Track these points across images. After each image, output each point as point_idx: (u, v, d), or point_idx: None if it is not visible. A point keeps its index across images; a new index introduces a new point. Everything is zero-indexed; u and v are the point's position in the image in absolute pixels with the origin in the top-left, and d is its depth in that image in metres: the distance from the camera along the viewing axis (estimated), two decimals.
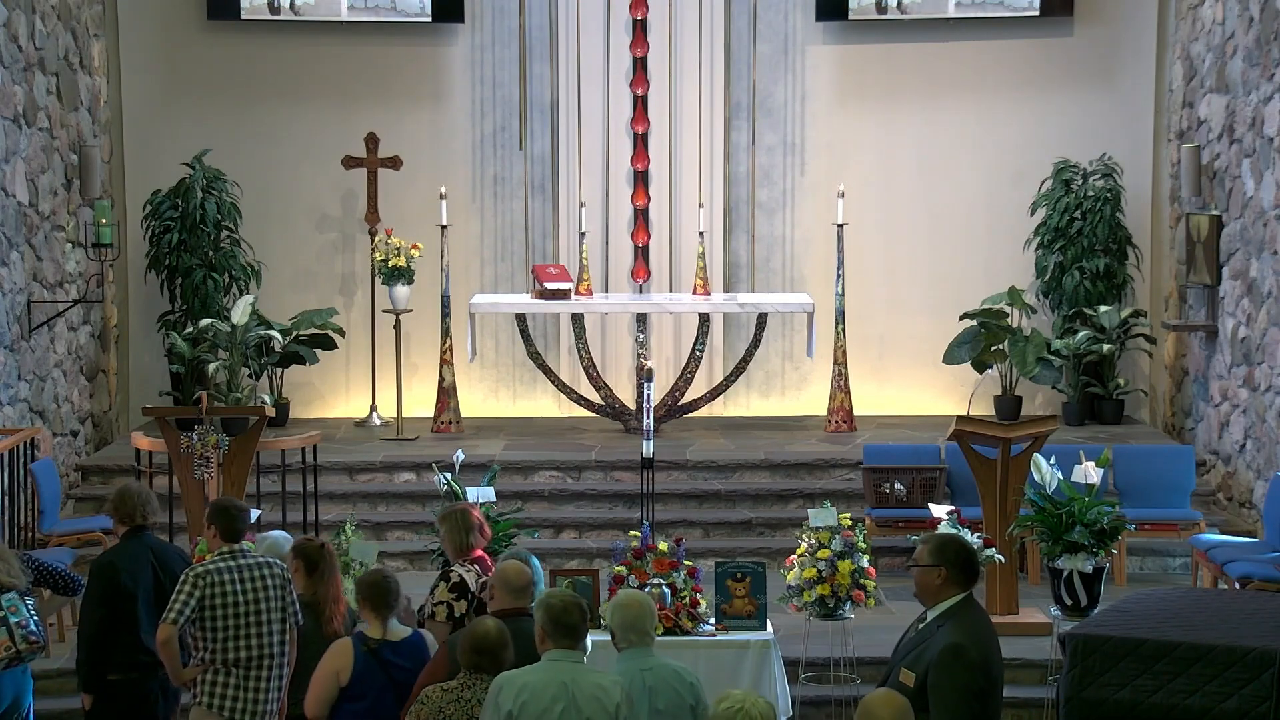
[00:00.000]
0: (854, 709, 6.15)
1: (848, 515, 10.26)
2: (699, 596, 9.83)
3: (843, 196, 15.09)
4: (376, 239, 15.52)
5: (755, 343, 15.23)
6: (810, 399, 15.95)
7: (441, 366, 15.16)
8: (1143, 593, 9.46)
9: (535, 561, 7.84)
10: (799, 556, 10.09)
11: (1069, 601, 10.27)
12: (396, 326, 15.25)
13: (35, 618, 8.36)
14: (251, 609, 8.00)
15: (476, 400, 15.93)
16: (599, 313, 15.54)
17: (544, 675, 6.64)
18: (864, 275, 15.88)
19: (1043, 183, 15.62)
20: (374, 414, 15.53)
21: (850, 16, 15.75)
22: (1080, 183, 15.53)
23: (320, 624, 8.04)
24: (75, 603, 11.40)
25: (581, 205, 15.57)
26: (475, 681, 6.78)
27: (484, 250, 16.17)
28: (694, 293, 15.33)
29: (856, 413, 15.18)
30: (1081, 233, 15.42)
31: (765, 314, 15.19)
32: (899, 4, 15.71)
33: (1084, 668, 8.17)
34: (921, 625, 6.86)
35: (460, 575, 8.17)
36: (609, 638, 7.10)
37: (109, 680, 8.33)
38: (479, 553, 8.39)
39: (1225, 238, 13.93)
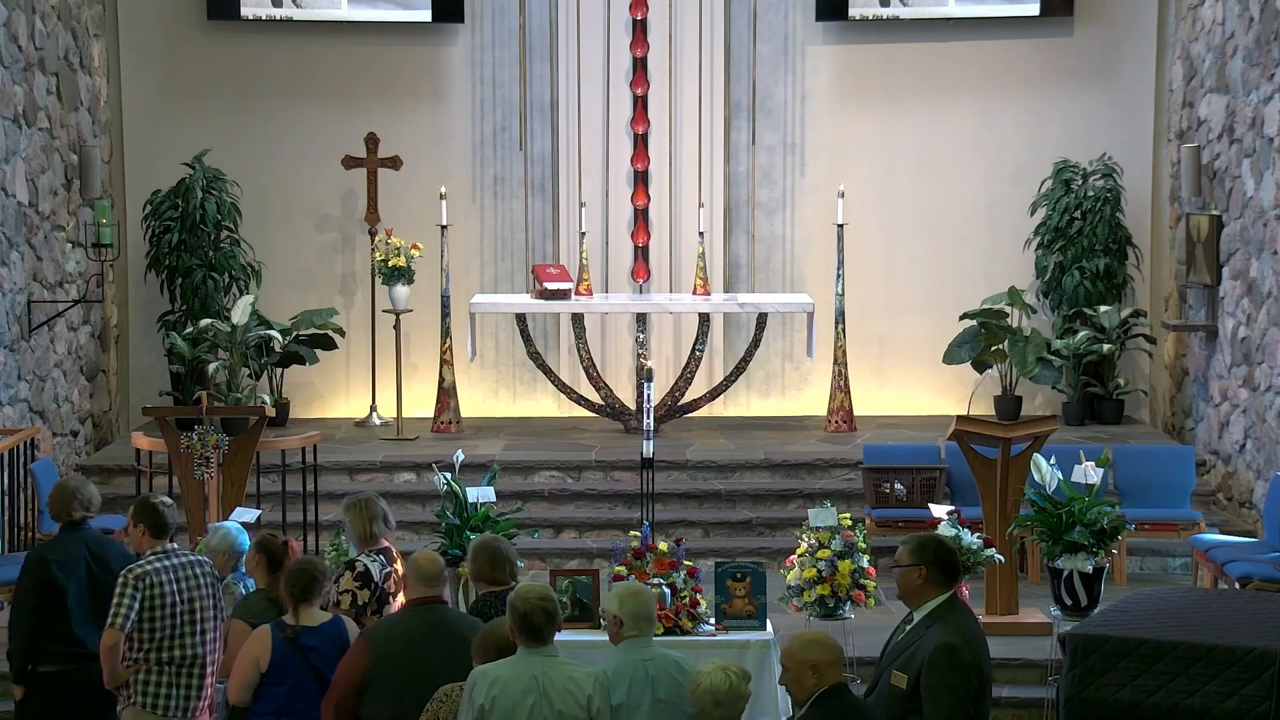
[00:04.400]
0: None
1: (848, 515, 10.26)
2: (699, 596, 9.82)
3: (843, 196, 15.08)
4: (376, 239, 15.52)
5: (755, 343, 15.22)
6: (810, 399, 15.95)
7: (441, 366, 15.16)
8: (1143, 593, 9.45)
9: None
10: (799, 556, 10.09)
11: (1069, 601, 10.27)
12: (396, 326, 15.25)
13: None
14: (187, 608, 8.16)
15: (476, 400, 15.93)
16: (599, 313, 15.54)
17: (516, 669, 6.75)
18: (864, 275, 15.87)
19: (1043, 183, 15.62)
20: (374, 414, 15.53)
21: (850, 16, 15.75)
22: (1080, 183, 15.53)
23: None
24: None
25: (581, 205, 15.57)
26: None
27: (484, 250, 16.17)
28: (694, 293, 15.32)
29: (856, 413, 15.17)
30: (1081, 233, 15.42)
31: (765, 314, 15.19)
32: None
33: (1084, 668, 8.17)
34: (909, 627, 6.88)
35: (365, 565, 8.39)
36: (605, 635, 7.16)
37: (42, 672, 8.35)
38: (385, 542, 8.56)
39: (1225, 238, 13.93)
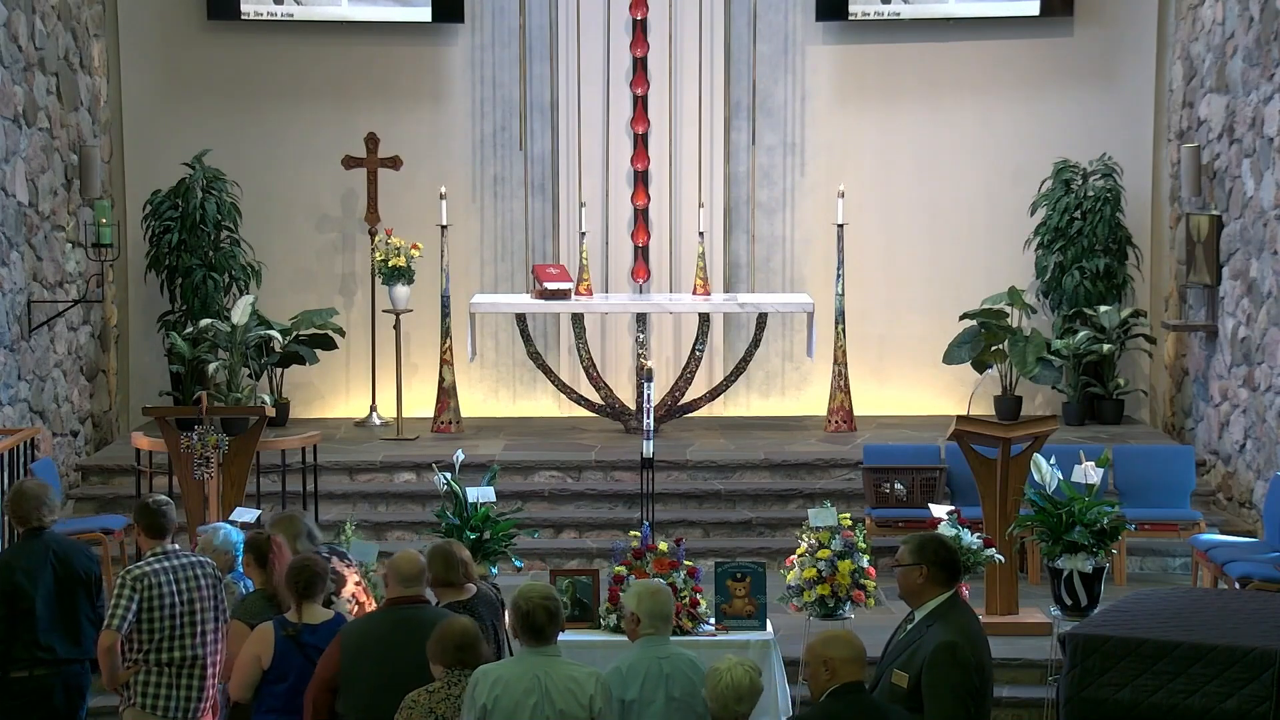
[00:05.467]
0: None
1: (848, 515, 10.26)
2: (699, 596, 9.83)
3: (843, 196, 15.09)
4: (376, 239, 15.52)
5: (755, 343, 15.22)
6: (810, 399, 15.95)
7: (441, 366, 15.16)
8: (1143, 593, 9.45)
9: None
10: (799, 556, 10.09)
11: (1069, 601, 10.27)
12: (396, 326, 15.25)
13: None
14: (187, 609, 8.15)
15: (476, 400, 15.93)
16: (599, 313, 15.54)
17: (518, 668, 6.80)
18: (864, 275, 15.87)
19: (1043, 183, 15.62)
20: (374, 414, 15.53)
21: (850, 15, 15.75)
22: (1080, 183, 15.53)
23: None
24: None
25: (581, 205, 15.57)
26: (460, 678, 6.91)
27: (484, 250, 16.17)
28: (694, 293, 15.32)
29: (856, 413, 15.17)
30: (1081, 233, 15.42)
31: (765, 314, 15.19)
32: None
33: (1084, 668, 8.18)
34: (910, 626, 6.89)
35: None
36: (622, 633, 7.18)
37: (14, 678, 8.30)
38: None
39: (1225, 238, 13.93)
